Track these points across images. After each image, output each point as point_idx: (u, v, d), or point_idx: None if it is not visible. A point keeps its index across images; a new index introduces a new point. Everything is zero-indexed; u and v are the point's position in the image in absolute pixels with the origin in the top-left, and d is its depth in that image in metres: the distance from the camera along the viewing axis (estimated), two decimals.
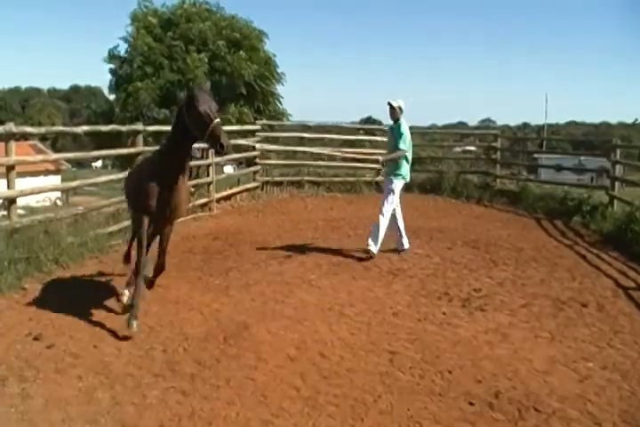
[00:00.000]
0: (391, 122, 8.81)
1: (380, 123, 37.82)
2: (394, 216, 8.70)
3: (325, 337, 5.51)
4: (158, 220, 5.83)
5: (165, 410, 4.15)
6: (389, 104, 8.63)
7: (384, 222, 8.46)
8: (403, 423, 4.04)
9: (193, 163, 14.41)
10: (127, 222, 9.10)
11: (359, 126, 23.73)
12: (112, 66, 19.15)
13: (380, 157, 8.95)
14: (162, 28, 18.54)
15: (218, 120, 5.12)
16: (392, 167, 8.67)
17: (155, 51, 17.93)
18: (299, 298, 6.61)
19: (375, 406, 4.27)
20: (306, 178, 15.30)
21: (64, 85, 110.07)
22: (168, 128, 15.95)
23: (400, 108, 8.64)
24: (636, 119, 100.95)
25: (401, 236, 8.83)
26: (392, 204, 8.58)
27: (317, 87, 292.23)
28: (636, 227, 9.68)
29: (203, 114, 5.08)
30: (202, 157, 11.78)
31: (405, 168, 8.67)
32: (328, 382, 4.61)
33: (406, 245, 8.85)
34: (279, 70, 20.04)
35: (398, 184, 8.63)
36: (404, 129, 8.62)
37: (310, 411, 4.16)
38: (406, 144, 8.58)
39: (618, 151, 13.00)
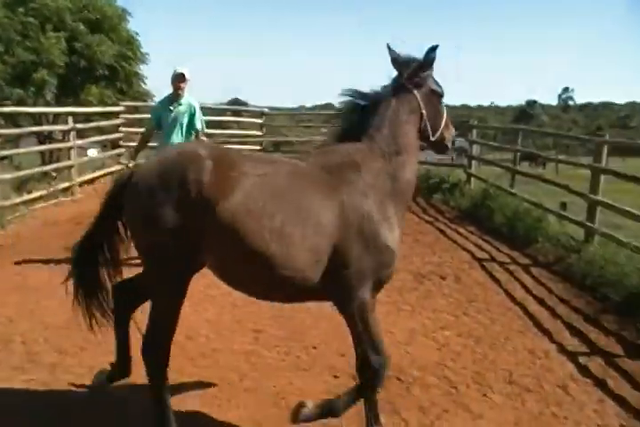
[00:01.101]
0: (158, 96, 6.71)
1: (246, 104, 37.62)
2: None
3: (191, 319, 5.45)
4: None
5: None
6: (182, 74, 6.78)
7: None
8: (268, 400, 4.08)
9: (53, 146, 14.08)
10: None
11: (226, 107, 23.50)
12: None
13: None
14: (11, 4, 17.53)
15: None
16: None
17: (5, 27, 16.93)
18: None
19: (241, 385, 4.28)
20: None
21: None
22: (25, 109, 15.39)
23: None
24: (492, 102, 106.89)
25: None
26: None
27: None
28: (490, 203, 10.25)
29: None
30: (63, 139, 11.31)
31: None
32: (194, 364, 4.59)
33: None
34: (143, 50, 19.55)
35: None
36: (198, 106, 6.99)
37: (175, 393, 4.12)
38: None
39: (474, 131, 13.66)
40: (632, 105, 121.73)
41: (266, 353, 4.83)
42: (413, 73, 3.40)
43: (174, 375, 4.32)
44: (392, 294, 6.32)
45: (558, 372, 4.75)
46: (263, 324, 5.41)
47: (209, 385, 4.26)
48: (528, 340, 5.35)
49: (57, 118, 17.11)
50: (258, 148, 16.34)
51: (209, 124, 19.00)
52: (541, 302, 6.38)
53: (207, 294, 6.09)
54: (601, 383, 4.59)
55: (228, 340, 5.07)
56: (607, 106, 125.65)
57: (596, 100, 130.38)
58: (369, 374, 3.32)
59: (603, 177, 8.19)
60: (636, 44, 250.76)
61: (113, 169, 13.77)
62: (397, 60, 3.45)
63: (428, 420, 3.92)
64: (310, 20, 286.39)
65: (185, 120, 6.84)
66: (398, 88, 3.41)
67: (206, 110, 15.70)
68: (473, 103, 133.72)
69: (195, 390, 4.19)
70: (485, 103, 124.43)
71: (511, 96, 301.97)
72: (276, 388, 4.26)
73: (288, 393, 4.18)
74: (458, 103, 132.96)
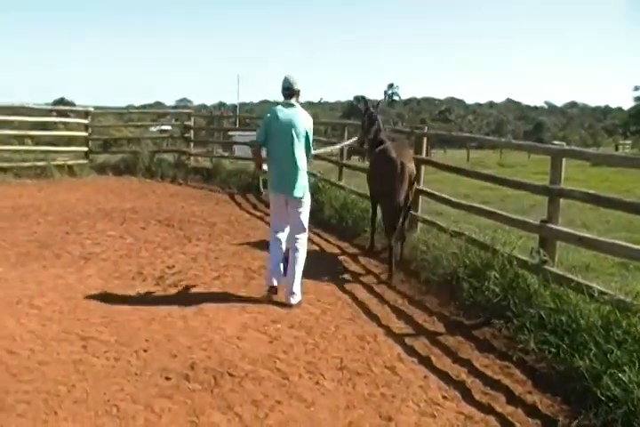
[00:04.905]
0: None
1: (72, 104, 36.03)
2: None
3: (14, 332, 5.14)
4: None
5: None
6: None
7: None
8: (99, 409, 3.94)
9: None
10: None
11: (51, 108, 22.34)
12: None
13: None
14: None
15: None
16: (300, 175, 6.00)
17: None
18: None
19: (69, 396, 4.09)
20: None
21: None
22: None
23: None
24: (322, 98, 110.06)
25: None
26: None
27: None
28: (320, 196, 10.47)
29: None
30: None
31: None
32: (17, 380, 4.31)
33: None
34: None
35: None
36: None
37: None
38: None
39: None
40: (451, 100, 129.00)
41: (95, 361, 4.65)
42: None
43: None
44: (222, 290, 6.36)
45: (386, 354, 4.96)
46: (91, 331, 5.19)
47: (34, 400, 4.04)
48: (357, 326, 5.55)
49: None
50: (84, 149, 15.69)
51: (42, 125, 18.09)
52: (370, 289, 6.63)
53: (32, 305, 5.76)
54: (425, 361, 4.86)
55: (55, 351, 4.81)
56: (429, 100, 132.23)
57: (419, 95, 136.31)
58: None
59: (423, 167, 8.63)
60: (452, 45, 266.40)
61: None
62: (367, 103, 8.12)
63: (262, 413, 3.95)
64: (136, 20, 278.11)
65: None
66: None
67: (30, 111, 15.09)
68: (302, 100, 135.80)
69: (19, 406, 3.96)
70: (315, 100, 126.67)
71: (340, 93, 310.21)
72: (107, 395, 4.12)
73: (119, 400, 4.05)
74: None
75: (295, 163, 5.92)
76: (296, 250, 6.02)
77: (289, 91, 6.01)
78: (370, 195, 8.06)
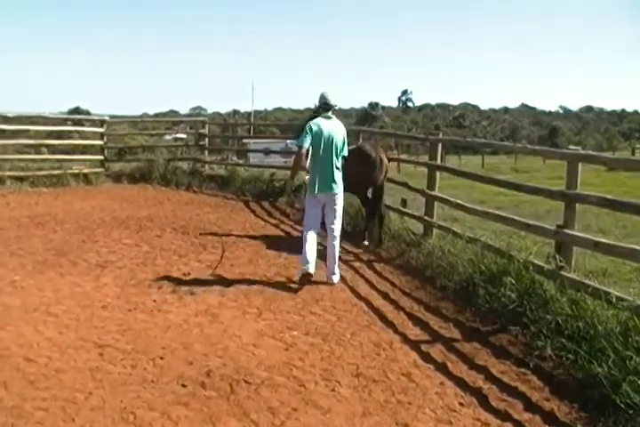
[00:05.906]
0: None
1: (87, 113, 36.33)
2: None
3: (31, 339, 5.17)
4: None
5: None
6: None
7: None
8: (116, 416, 3.95)
9: None
10: None
11: (66, 117, 22.52)
12: None
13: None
14: None
15: None
16: (339, 175, 7.02)
17: None
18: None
19: (87, 404, 4.11)
20: (7, 173, 14.06)
21: None
22: None
23: None
24: (336, 105, 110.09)
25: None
26: None
27: (15, 75, 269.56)
28: None
29: None
30: None
31: None
32: (35, 387, 4.34)
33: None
34: None
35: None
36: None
37: (15, 421, 3.86)
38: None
39: None
40: (465, 106, 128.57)
41: (112, 368, 4.66)
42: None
43: (13, 402, 4.11)
44: (238, 298, 6.35)
45: (402, 361, 4.95)
46: (108, 338, 5.21)
47: (52, 408, 4.06)
48: (373, 333, 5.53)
49: None
50: (100, 157, 15.77)
51: (57, 134, 18.24)
52: (385, 295, 6.62)
53: (49, 313, 5.80)
54: (441, 367, 4.84)
55: (72, 358, 4.84)
56: (443, 106, 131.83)
57: (433, 101, 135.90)
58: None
59: (438, 173, 8.62)
60: (468, 49, 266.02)
61: None
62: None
63: (279, 420, 3.96)
64: (149, 28, 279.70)
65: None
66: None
67: (45, 120, 15.23)
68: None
69: (36, 413, 3.98)
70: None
71: (354, 99, 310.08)
72: (124, 403, 4.13)
73: (136, 407, 4.07)
74: (302, 107, 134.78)
75: (335, 166, 6.95)
76: (335, 238, 7.07)
77: (327, 105, 7.05)
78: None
